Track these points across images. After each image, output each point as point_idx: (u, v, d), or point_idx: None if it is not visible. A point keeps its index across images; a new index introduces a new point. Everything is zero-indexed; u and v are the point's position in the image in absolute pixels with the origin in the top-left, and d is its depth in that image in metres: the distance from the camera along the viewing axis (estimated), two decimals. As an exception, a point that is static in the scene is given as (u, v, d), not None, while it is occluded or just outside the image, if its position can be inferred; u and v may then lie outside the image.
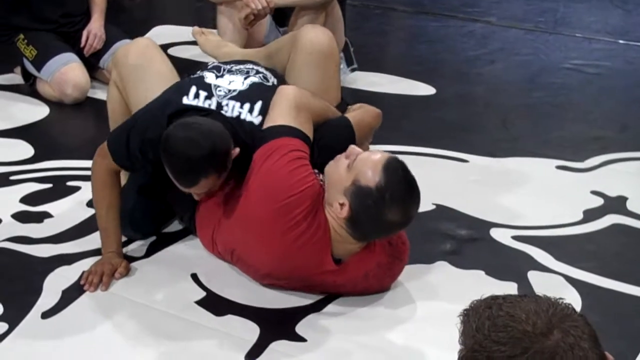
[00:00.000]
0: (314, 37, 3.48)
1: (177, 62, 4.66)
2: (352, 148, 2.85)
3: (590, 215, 3.59)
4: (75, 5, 4.83)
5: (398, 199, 2.73)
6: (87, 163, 3.81)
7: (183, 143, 2.85)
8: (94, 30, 4.77)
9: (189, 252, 3.20)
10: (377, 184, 2.72)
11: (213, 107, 3.08)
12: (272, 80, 3.27)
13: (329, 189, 2.84)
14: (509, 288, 3.02)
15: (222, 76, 3.19)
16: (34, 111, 4.53)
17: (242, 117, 3.08)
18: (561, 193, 3.77)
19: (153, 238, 3.27)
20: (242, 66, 3.30)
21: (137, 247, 3.25)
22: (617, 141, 4.33)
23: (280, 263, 2.90)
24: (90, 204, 3.52)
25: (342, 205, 2.77)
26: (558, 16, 6.41)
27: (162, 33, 5.69)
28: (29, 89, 4.76)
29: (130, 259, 3.17)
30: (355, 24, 5.70)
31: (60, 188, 3.68)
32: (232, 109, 3.08)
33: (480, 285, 3.07)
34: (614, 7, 6.77)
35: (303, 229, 2.81)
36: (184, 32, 5.58)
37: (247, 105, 3.09)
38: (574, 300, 2.93)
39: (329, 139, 3.10)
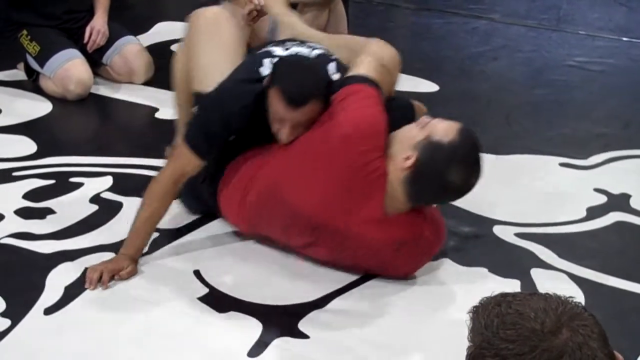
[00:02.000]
0: (377, 48, 3.33)
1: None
2: (423, 118, 2.92)
3: (593, 212, 3.59)
4: (78, 1, 4.82)
5: (466, 161, 2.82)
6: (90, 159, 3.88)
7: (301, 65, 3.08)
8: (97, 26, 4.76)
9: (192, 248, 3.20)
10: (451, 141, 2.79)
11: None
12: (335, 57, 3.28)
13: (395, 144, 2.89)
14: (512, 285, 3.03)
15: (288, 49, 3.22)
16: (37, 107, 4.52)
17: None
18: (564, 190, 3.76)
19: (155, 234, 3.26)
20: (305, 44, 3.32)
21: (139, 243, 3.25)
22: (620, 138, 4.32)
23: (331, 199, 2.91)
24: (93, 199, 3.54)
25: (407, 158, 2.81)
26: (561, 13, 6.40)
27: (165, 29, 5.69)
28: (32, 85, 4.75)
29: (133, 255, 3.17)
30: (359, 21, 5.69)
31: (63, 184, 3.68)
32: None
33: (484, 282, 3.07)
34: (617, 5, 6.75)
35: (368, 162, 2.86)
36: (186, 29, 5.58)
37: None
38: (577, 297, 2.90)
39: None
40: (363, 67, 3.09)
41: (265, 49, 3.27)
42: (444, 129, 2.83)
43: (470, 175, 2.83)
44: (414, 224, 2.97)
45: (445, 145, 2.79)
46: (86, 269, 3.05)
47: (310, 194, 2.94)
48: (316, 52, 3.22)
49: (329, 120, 2.96)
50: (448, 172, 2.79)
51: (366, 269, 3.06)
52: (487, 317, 1.59)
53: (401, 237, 2.95)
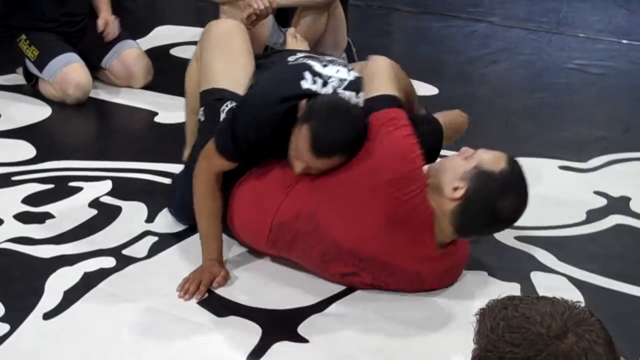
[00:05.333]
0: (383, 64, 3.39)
1: (178, 62, 4.69)
2: (466, 149, 2.86)
3: (593, 215, 3.58)
4: (76, 4, 4.82)
5: (518, 191, 2.79)
6: (90, 164, 3.88)
7: (341, 112, 2.93)
8: (107, 17, 4.77)
9: (192, 253, 3.19)
10: (502, 170, 2.76)
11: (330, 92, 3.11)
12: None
13: (440, 175, 2.83)
14: (512, 289, 3.02)
15: (326, 66, 3.15)
16: (36, 111, 4.52)
17: (359, 104, 3.09)
18: (564, 193, 3.75)
19: (155, 239, 3.26)
20: (336, 60, 3.30)
21: (138, 248, 3.24)
22: (620, 141, 4.31)
23: (380, 237, 2.87)
24: (92, 204, 3.53)
25: (456, 188, 2.76)
26: (561, 16, 6.40)
27: (164, 33, 5.69)
28: (31, 89, 4.75)
29: (132, 259, 3.17)
30: (358, 24, 5.69)
31: (62, 189, 3.68)
32: (349, 98, 3.09)
33: (483, 286, 3.06)
34: (617, 7, 6.75)
35: (416, 205, 2.82)
36: (185, 32, 5.59)
37: (361, 94, 3.11)
38: (577, 301, 2.91)
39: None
40: (383, 81, 3.06)
41: (301, 61, 3.21)
42: (492, 159, 2.79)
43: (520, 205, 2.81)
44: (458, 251, 2.98)
45: (496, 174, 2.76)
46: (86, 273, 3.06)
47: (356, 231, 2.89)
48: (353, 72, 3.17)
49: (368, 157, 2.89)
50: (500, 201, 2.75)
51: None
52: (493, 320, 1.58)
53: (447, 265, 2.97)
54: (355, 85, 3.12)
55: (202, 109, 3.35)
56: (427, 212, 2.82)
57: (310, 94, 3.03)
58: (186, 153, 3.54)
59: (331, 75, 3.09)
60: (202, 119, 3.34)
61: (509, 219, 2.84)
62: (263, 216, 3.05)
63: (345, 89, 3.09)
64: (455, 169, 2.80)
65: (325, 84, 3.06)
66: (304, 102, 2.99)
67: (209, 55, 3.43)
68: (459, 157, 2.84)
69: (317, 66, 3.12)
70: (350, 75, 3.14)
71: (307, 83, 3.05)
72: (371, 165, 2.87)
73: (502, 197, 2.75)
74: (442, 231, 2.85)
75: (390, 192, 2.81)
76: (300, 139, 2.90)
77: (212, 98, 3.32)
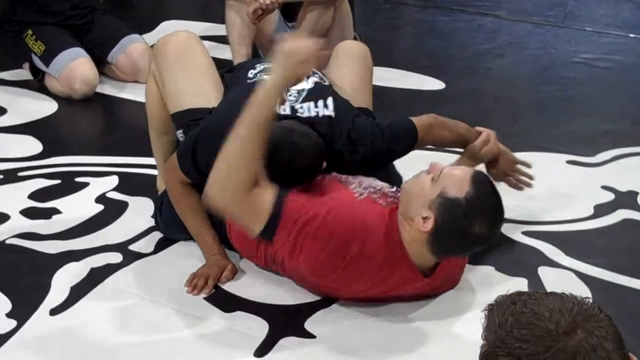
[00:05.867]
0: (353, 44, 3.60)
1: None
2: (434, 164, 2.78)
3: (601, 210, 3.57)
4: None
5: (487, 211, 2.69)
6: (96, 159, 3.88)
7: (289, 150, 2.86)
8: None
9: (198, 248, 3.18)
10: (466, 195, 2.65)
11: (287, 112, 3.04)
12: (326, 80, 3.25)
13: (409, 203, 2.74)
14: (519, 284, 3.01)
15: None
16: (43, 107, 4.52)
17: (320, 114, 3.06)
18: (571, 188, 3.74)
19: (161, 234, 3.26)
20: None
21: (145, 243, 3.25)
22: (627, 135, 4.30)
23: (371, 286, 2.84)
24: (99, 199, 3.54)
25: (425, 219, 2.68)
26: (568, 10, 6.37)
27: (170, 28, 5.66)
28: (38, 84, 4.75)
29: (139, 255, 3.17)
30: (364, 19, 5.68)
31: (68, 184, 3.68)
32: (308, 109, 3.06)
33: (491, 281, 3.06)
34: (624, 1, 6.72)
35: (379, 259, 2.75)
36: (191, 27, 5.54)
37: (320, 102, 3.08)
38: (585, 296, 2.90)
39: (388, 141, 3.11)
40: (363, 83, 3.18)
41: (259, 77, 3.14)
42: (456, 183, 2.67)
43: (492, 224, 2.72)
44: (449, 263, 2.91)
45: (461, 201, 2.65)
46: (92, 269, 3.06)
47: (349, 286, 2.85)
48: (312, 78, 3.14)
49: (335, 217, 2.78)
50: (471, 227, 2.65)
51: None
52: (502, 315, 1.58)
53: (442, 279, 2.92)
54: (314, 92, 3.10)
55: (180, 131, 3.25)
56: (397, 252, 2.76)
57: None
58: (159, 181, 3.50)
59: (289, 90, 3.04)
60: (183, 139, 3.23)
61: (485, 238, 2.74)
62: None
63: (304, 100, 3.08)
64: (423, 196, 2.70)
65: (282, 101, 3.00)
66: None
67: (171, 75, 3.27)
68: (426, 178, 2.74)
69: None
70: (308, 84, 3.11)
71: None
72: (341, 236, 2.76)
73: (471, 223, 2.65)
74: (423, 257, 2.77)
75: (366, 259, 2.76)
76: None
77: (189, 120, 3.21)
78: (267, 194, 2.79)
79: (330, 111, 3.07)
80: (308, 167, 2.90)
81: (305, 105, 3.06)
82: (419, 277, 2.82)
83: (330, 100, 3.10)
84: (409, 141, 3.17)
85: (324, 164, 2.94)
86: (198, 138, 3.04)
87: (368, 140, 3.07)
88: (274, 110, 2.82)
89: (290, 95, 3.06)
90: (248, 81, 3.17)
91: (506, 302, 1.61)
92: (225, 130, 2.77)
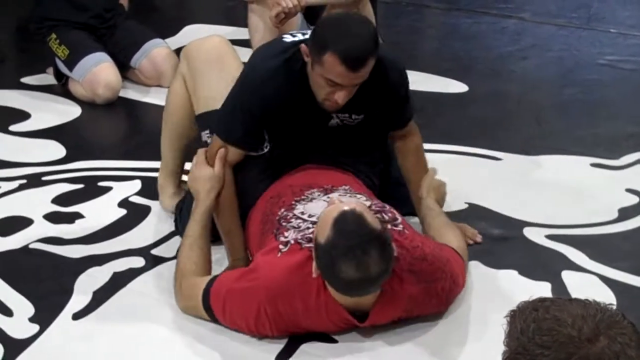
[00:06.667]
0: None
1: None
2: (331, 199, 2.73)
3: (625, 213, 3.54)
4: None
5: (346, 256, 2.50)
6: (119, 163, 3.89)
7: (351, 20, 2.90)
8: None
9: (219, 252, 3.17)
10: (327, 239, 2.53)
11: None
12: None
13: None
14: (543, 288, 3.00)
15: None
16: (66, 111, 4.53)
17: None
18: (595, 191, 3.72)
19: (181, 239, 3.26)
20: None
21: (167, 247, 3.26)
22: (652, 138, 4.27)
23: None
24: (122, 204, 3.55)
25: (314, 263, 2.62)
26: (592, 11, 6.34)
27: (193, 32, 5.67)
28: (62, 89, 4.76)
29: (161, 259, 3.18)
30: (387, 22, 5.66)
31: (91, 188, 3.69)
32: None
33: (514, 285, 3.04)
34: (649, 2, 6.69)
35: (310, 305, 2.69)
36: (215, 31, 5.54)
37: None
38: (609, 300, 2.86)
39: None
40: None
41: None
42: (322, 226, 2.57)
43: (359, 264, 2.50)
44: (395, 292, 2.71)
45: (323, 246, 2.54)
46: (115, 273, 3.08)
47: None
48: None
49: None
50: (339, 272, 2.52)
51: None
52: (524, 321, 1.56)
53: (399, 310, 2.77)
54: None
55: (206, 131, 3.24)
56: (320, 296, 2.68)
57: (300, 41, 2.99)
58: (161, 179, 3.53)
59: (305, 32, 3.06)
60: (210, 140, 3.20)
61: (360, 279, 2.53)
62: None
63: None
64: (313, 237, 2.64)
65: (304, 33, 3.04)
66: (304, 46, 2.92)
67: (204, 78, 3.27)
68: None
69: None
70: None
71: (289, 37, 3.05)
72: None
73: (337, 268, 2.52)
74: (341, 296, 2.65)
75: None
76: (328, 68, 2.82)
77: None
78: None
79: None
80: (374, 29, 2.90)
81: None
82: (351, 320, 2.72)
83: None
84: (410, 114, 3.23)
85: None
86: (232, 92, 3.06)
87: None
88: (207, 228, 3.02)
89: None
90: None
91: (528, 308, 1.59)
92: (259, 66, 3.01)
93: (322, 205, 2.82)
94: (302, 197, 2.98)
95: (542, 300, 1.61)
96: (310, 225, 2.79)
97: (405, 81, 3.13)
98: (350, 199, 2.79)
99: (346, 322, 2.72)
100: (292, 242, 2.76)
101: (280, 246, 2.77)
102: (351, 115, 3.08)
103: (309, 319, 2.70)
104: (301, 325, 2.72)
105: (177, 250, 3.02)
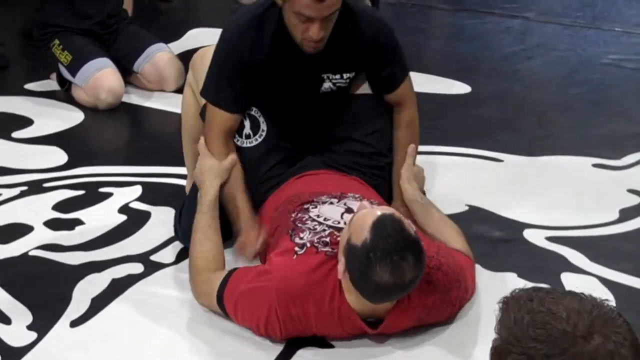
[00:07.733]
0: None
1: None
2: (362, 204, 2.71)
3: (626, 214, 3.53)
4: (114, 4, 4.86)
5: (385, 259, 2.49)
6: (120, 169, 3.90)
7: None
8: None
9: (228, 255, 3.17)
10: (363, 243, 2.52)
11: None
12: None
13: (340, 245, 2.67)
14: (542, 291, 2.98)
15: None
16: (69, 117, 4.53)
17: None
18: (597, 192, 3.71)
19: (182, 246, 3.26)
20: None
21: (166, 253, 3.25)
22: (656, 138, 4.25)
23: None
24: (122, 210, 3.55)
25: (341, 263, 2.61)
26: (597, 10, 6.31)
27: (198, 36, 5.68)
28: (65, 94, 4.77)
29: (160, 265, 3.18)
30: (392, 22, 5.58)
31: (92, 194, 3.69)
32: None
33: (513, 288, 3.01)
34: (654, 1, 6.66)
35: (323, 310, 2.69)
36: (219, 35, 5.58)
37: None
38: (605, 298, 2.87)
39: None
40: None
41: None
42: (358, 229, 2.55)
43: (396, 269, 2.50)
44: (410, 300, 2.71)
45: (359, 249, 2.52)
46: (114, 279, 3.08)
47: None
48: None
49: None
50: (374, 275, 2.50)
51: None
52: (518, 311, 1.55)
53: (413, 317, 2.76)
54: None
55: None
56: (334, 302, 2.67)
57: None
58: (188, 186, 3.49)
59: None
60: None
61: (394, 285, 2.53)
62: None
63: None
64: (342, 240, 2.63)
65: None
66: None
67: None
68: (349, 218, 2.69)
69: None
70: None
71: None
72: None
73: (372, 272, 2.50)
74: (362, 303, 2.64)
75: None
76: (298, 3, 2.86)
77: None
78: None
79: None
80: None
81: None
82: (364, 327, 2.71)
83: None
84: (401, 76, 3.30)
85: None
86: (214, 54, 3.15)
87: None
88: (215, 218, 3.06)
89: None
90: None
91: (523, 297, 1.57)
92: (236, 21, 3.16)
93: (338, 211, 2.86)
94: (314, 200, 3.00)
95: (537, 289, 1.59)
96: (326, 229, 2.81)
97: (392, 38, 3.21)
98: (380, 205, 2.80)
99: (358, 329, 2.72)
100: (309, 245, 2.77)
101: (296, 248, 2.77)
102: (342, 74, 3.11)
103: (320, 323, 2.70)
104: (311, 329, 2.72)
105: (190, 244, 3.03)
